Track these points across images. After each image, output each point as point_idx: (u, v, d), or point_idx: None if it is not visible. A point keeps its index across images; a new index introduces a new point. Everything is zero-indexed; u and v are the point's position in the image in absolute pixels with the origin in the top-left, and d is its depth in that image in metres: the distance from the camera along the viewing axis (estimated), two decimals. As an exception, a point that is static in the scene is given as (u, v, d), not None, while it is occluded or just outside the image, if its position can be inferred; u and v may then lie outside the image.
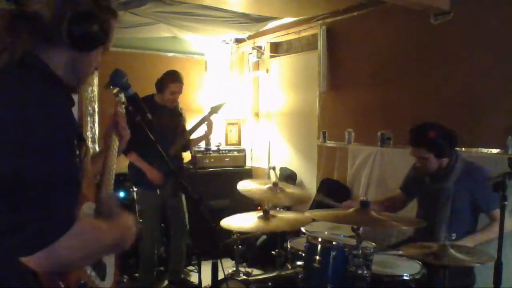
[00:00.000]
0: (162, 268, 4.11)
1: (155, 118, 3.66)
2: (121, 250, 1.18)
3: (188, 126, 3.84)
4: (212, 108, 3.72)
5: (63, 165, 0.96)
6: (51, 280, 1.02)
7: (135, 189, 3.86)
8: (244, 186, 2.93)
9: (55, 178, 0.93)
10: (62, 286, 1.06)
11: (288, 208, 4.57)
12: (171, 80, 3.56)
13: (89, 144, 4.70)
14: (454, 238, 2.14)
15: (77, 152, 1.14)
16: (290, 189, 2.98)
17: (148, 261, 3.68)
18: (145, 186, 3.59)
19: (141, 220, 3.63)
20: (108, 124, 1.57)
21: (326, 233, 2.60)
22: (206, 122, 3.71)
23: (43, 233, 0.91)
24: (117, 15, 1.17)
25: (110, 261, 1.36)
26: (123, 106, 1.66)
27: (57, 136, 0.96)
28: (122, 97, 1.66)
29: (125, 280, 1.41)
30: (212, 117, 3.73)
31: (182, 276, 3.98)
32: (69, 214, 0.95)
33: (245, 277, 2.45)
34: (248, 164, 5.33)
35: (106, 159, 1.45)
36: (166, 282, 3.96)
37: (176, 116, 3.74)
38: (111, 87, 1.64)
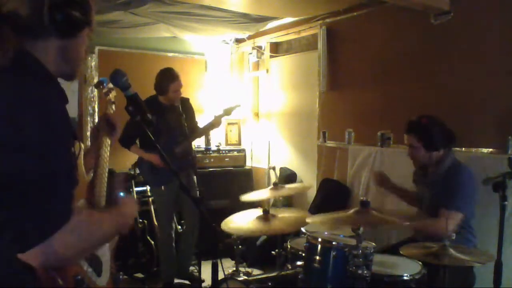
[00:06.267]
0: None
1: (163, 119, 3.69)
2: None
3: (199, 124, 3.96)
4: (224, 110, 3.71)
5: (59, 162, 0.97)
6: (48, 275, 1.04)
7: (148, 187, 4.16)
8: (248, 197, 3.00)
9: (51, 175, 0.95)
10: (59, 281, 1.07)
11: (288, 205, 4.59)
12: (171, 80, 3.64)
13: (89, 144, 4.70)
14: (454, 237, 2.13)
15: (73, 150, 1.15)
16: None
17: (168, 255, 3.81)
18: (153, 184, 3.81)
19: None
20: (99, 123, 1.61)
21: (326, 233, 2.59)
22: (214, 120, 3.75)
23: (39, 229, 0.93)
24: None
25: (105, 258, 1.37)
26: (113, 105, 1.68)
27: (53, 134, 0.97)
28: (112, 97, 1.67)
29: (121, 276, 1.43)
30: (223, 118, 3.79)
31: (189, 271, 4.03)
32: (65, 210, 0.97)
33: (245, 277, 2.46)
34: (248, 164, 5.33)
35: (99, 158, 1.48)
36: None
37: (180, 115, 3.79)
38: (101, 86, 1.66)
